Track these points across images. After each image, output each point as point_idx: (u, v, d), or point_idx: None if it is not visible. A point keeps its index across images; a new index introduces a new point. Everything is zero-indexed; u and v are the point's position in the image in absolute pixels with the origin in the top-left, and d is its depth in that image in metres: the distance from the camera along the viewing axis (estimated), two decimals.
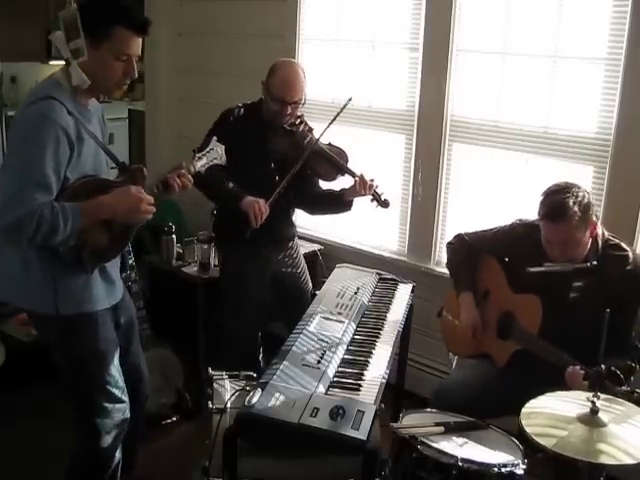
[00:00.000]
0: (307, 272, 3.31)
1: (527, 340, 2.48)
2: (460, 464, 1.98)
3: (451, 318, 2.82)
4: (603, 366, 2.01)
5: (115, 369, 2.32)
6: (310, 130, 3.10)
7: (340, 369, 2.12)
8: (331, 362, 2.12)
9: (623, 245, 2.49)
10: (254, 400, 1.87)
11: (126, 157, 6.02)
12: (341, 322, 2.40)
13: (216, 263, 3.54)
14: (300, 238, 3.46)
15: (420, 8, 3.43)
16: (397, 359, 2.75)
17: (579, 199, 2.36)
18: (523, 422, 1.88)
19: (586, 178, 3.00)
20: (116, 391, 2.33)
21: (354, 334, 2.37)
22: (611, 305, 2.01)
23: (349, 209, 3.14)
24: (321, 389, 1.97)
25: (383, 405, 1.99)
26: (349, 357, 2.21)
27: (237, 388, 2.24)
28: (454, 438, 2.13)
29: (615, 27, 2.88)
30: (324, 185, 3.22)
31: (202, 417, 2.92)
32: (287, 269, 3.22)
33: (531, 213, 2.62)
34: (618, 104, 2.89)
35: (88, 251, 2.12)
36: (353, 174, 3.05)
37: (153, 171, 2.43)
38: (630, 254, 2.47)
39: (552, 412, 1.94)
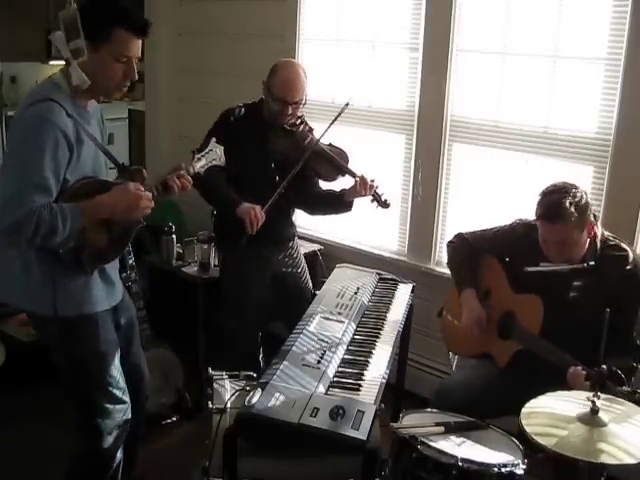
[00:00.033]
0: (307, 272, 3.31)
1: (528, 340, 2.48)
2: (460, 464, 1.98)
3: (451, 318, 2.82)
4: (605, 366, 2.01)
5: (116, 370, 2.32)
6: (310, 130, 3.10)
7: (340, 369, 2.12)
8: (331, 362, 2.12)
9: (622, 245, 2.49)
10: (254, 400, 1.87)
11: (126, 157, 6.02)
12: (341, 322, 2.40)
13: (216, 263, 3.54)
14: (300, 238, 3.46)
15: (420, 8, 3.43)
16: (397, 359, 2.75)
17: (576, 199, 2.36)
18: (523, 422, 1.88)
19: (586, 178, 3.00)
20: (117, 392, 2.33)
21: (354, 334, 2.37)
22: (611, 305, 2.01)
23: (349, 210, 3.14)
24: (321, 389, 1.97)
25: (383, 405, 1.98)
26: (349, 357, 2.21)
27: (237, 388, 2.24)
28: (454, 438, 2.13)
29: (615, 27, 2.88)
30: (324, 185, 3.22)
31: (202, 417, 2.92)
32: (287, 269, 3.22)
33: (531, 213, 2.62)
34: (618, 104, 2.89)
35: (88, 253, 2.12)
36: (353, 174, 3.05)
37: (153, 171, 2.43)
38: (630, 254, 2.47)
39: (552, 412, 1.94)
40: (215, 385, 2.30)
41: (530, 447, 1.98)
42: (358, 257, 3.65)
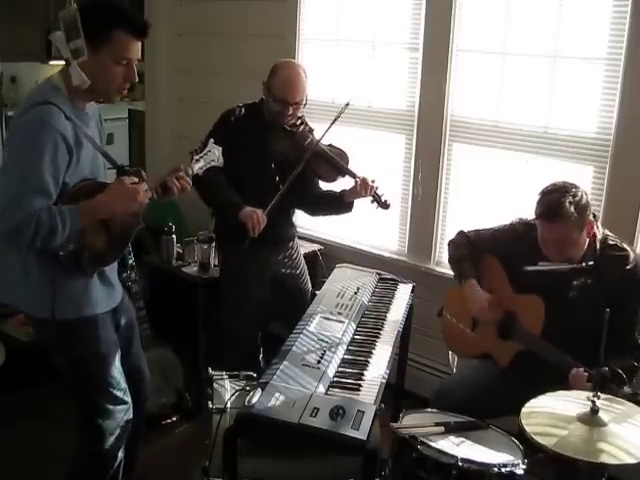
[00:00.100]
0: (307, 273, 3.31)
1: (529, 341, 2.47)
2: (460, 464, 1.98)
3: (450, 317, 2.81)
4: (606, 368, 2.01)
5: (117, 371, 2.32)
6: (311, 131, 3.10)
7: (340, 369, 2.12)
8: (331, 362, 2.12)
9: (622, 245, 2.49)
10: (254, 400, 1.87)
11: (126, 157, 6.02)
12: (341, 322, 2.40)
13: (216, 263, 3.54)
14: (300, 238, 3.46)
15: (420, 8, 3.43)
16: (397, 359, 2.75)
17: (576, 199, 2.35)
18: (523, 421, 1.88)
19: (586, 178, 3.00)
20: (118, 393, 2.34)
21: (354, 334, 2.37)
22: (611, 305, 2.01)
23: (349, 210, 3.14)
24: (321, 389, 1.97)
25: (383, 405, 1.99)
26: (349, 357, 2.21)
27: (237, 388, 2.24)
28: (454, 438, 2.13)
29: (615, 27, 2.88)
30: (324, 186, 3.22)
31: (202, 417, 2.92)
32: (287, 270, 3.22)
33: (531, 213, 2.62)
34: (618, 104, 2.89)
35: (87, 255, 2.12)
36: (354, 175, 3.05)
37: (153, 171, 2.43)
38: (630, 253, 2.46)
39: (552, 411, 1.94)
40: (215, 385, 2.30)
41: (530, 447, 1.99)
42: (358, 257, 3.65)
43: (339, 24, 3.80)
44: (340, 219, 3.45)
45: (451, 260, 2.83)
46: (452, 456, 2.00)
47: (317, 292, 2.73)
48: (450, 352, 2.94)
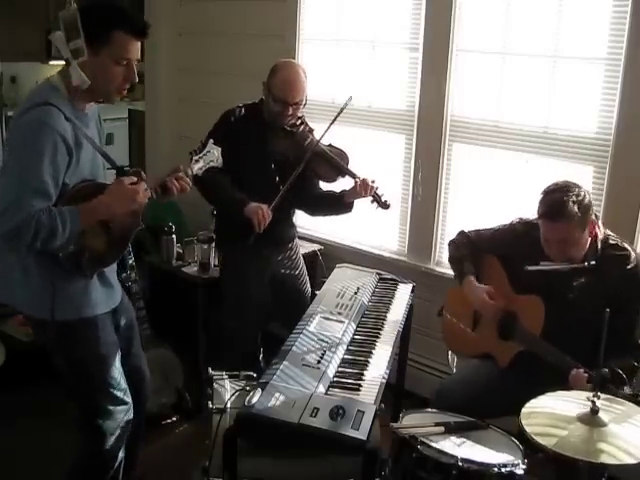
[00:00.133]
0: (306, 274, 3.31)
1: (530, 341, 2.47)
2: (460, 464, 1.98)
3: (450, 317, 2.81)
4: (606, 369, 2.01)
5: (117, 371, 2.32)
6: (311, 131, 3.10)
7: (340, 369, 2.12)
8: (331, 362, 2.12)
9: (623, 244, 2.48)
10: (254, 400, 1.87)
11: (126, 157, 6.02)
12: (341, 322, 2.40)
13: (216, 263, 3.54)
14: (300, 238, 3.46)
15: (420, 8, 3.43)
16: (397, 359, 2.75)
17: (579, 199, 2.35)
18: (523, 422, 1.88)
19: (586, 178, 3.00)
20: (119, 393, 2.34)
21: (354, 334, 2.37)
22: (612, 305, 2.01)
23: (350, 211, 3.14)
24: (321, 389, 1.97)
25: (383, 405, 1.99)
26: (349, 357, 2.21)
27: (237, 388, 2.24)
28: (454, 438, 2.13)
29: (615, 27, 2.88)
30: (325, 186, 3.22)
31: (202, 417, 2.92)
32: (286, 270, 3.22)
33: (531, 213, 2.62)
34: (618, 104, 2.89)
35: (87, 256, 2.12)
36: (354, 175, 3.05)
37: (153, 171, 2.43)
38: (631, 253, 2.46)
39: (552, 412, 1.94)
40: (215, 385, 2.30)
41: (530, 447, 1.99)
42: (358, 257, 3.65)
43: (339, 24, 3.80)
44: (340, 219, 3.45)
45: (451, 260, 2.83)
46: (452, 456, 2.00)
47: (317, 292, 2.73)
48: (450, 352, 2.94)
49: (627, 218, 2.91)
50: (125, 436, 2.40)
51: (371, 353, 2.25)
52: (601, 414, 1.87)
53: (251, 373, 2.39)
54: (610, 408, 1.92)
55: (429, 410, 2.38)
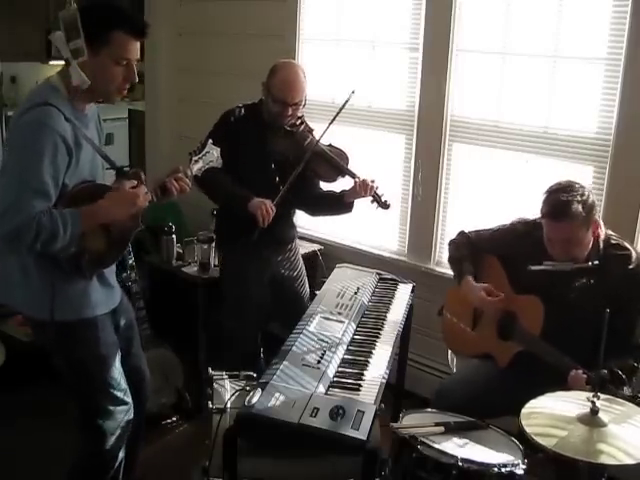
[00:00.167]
0: (305, 276, 3.31)
1: (529, 342, 2.47)
2: (460, 464, 1.98)
3: (450, 317, 2.81)
4: (605, 370, 2.01)
5: (117, 372, 2.32)
6: (310, 131, 3.10)
7: (340, 369, 2.12)
8: (331, 362, 2.12)
9: (625, 244, 2.48)
10: (254, 400, 1.87)
11: (126, 157, 6.02)
12: (341, 322, 2.40)
13: (216, 263, 3.54)
14: (300, 238, 3.46)
15: (420, 8, 3.43)
16: (397, 359, 2.75)
17: (583, 198, 2.34)
18: (523, 422, 1.88)
19: (586, 178, 2.99)
20: (119, 393, 2.34)
21: (354, 334, 2.37)
22: (612, 305, 2.01)
23: (350, 211, 3.14)
24: (321, 389, 1.97)
25: (383, 405, 1.99)
26: (349, 357, 2.21)
27: (237, 388, 2.24)
28: (454, 438, 2.13)
29: (615, 27, 2.88)
30: (325, 186, 3.22)
31: (202, 417, 2.92)
32: (285, 272, 3.22)
33: (531, 213, 2.62)
34: (618, 104, 2.89)
35: (87, 258, 2.12)
36: (353, 175, 3.05)
37: (153, 171, 2.43)
38: (632, 253, 2.45)
39: (552, 412, 1.94)
40: (215, 385, 2.30)
41: (530, 447, 1.98)
42: (358, 257, 3.65)
43: (339, 24, 3.80)
44: (340, 219, 3.46)
45: (451, 260, 2.83)
46: (452, 456, 2.00)
47: (317, 292, 2.73)
48: (450, 352, 2.94)
49: (627, 218, 2.91)
50: (125, 436, 2.40)
51: (371, 353, 2.25)
52: (601, 414, 1.87)
53: (251, 373, 2.39)
54: (610, 408, 1.92)
55: (429, 410, 2.38)
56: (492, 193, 3.37)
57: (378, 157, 3.71)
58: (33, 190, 1.96)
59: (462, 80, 3.37)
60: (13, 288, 2.20)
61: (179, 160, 2.38)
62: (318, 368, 2.07)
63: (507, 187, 3.31)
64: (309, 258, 3.70)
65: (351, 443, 1.77)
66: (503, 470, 2.00)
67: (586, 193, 2.37)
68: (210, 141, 2.46)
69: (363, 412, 1.86)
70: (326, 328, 2.34)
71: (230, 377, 2.36)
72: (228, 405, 2.14)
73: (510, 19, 3.19)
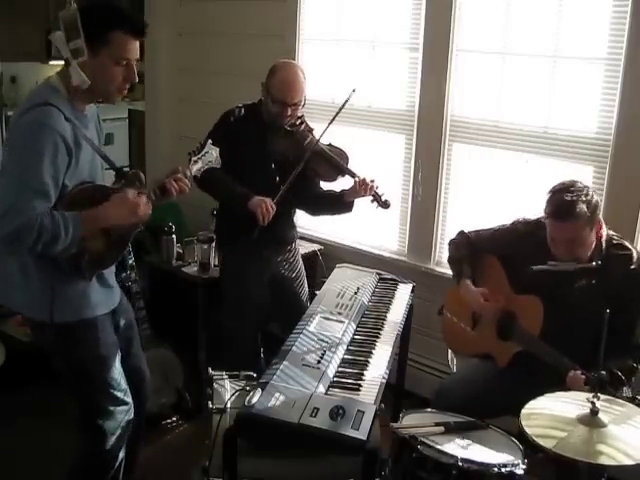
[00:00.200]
0: (304, 277, 3.31)
1: (528, 342, 2.47)
2: (460, 464, 1.98)
3: (450, 316, 2.81)
4: (604, 372, 2.00)
5: (117, 372, 2.32)
6: (310, 130, 3.10)
7: (340, 369, 2.12)
8: (331, 362, 2.12)
9: (626, 244, 2.48)
10: (254, 400, 1.87)
11: (126, 157, 6.02)
12: (341, 322, 2.40)
13: (216, 263, 3.54)
14: (300, 238, 3.46)
15: (420, 8, 3.43)
16: (397, 359, 2.75)
17: (588, 198, 2.34)
18: (523, 423, 1.88)
19: (586, 178, 2.99)
20: (119, 393, 2.33)
21: (354, 334, 2.37)
22: (613, 305, 2.01)
23: (350, 210, 3.14)
24: (321, 389, 1.97)
25: (383, 405, 1.99)
26: (349, 357, 2.21)
27: (237, 388, 2.24)
28: (454, 438, 2.13)
29: (615, 27, 2.88)
30: (325, 186, 3.22)
31: (202, 417, 2.92)
32: (285, 272, 3.22)
33: (531, 213, 2.62)
34: (618, 104, 2.89)
35: (87, 259, 2.11)
36: (353, 175, 3.05)
37: (153, 171, 2.43)
38: (634, 253, 2.45)
39: (552, 413, 1.94)
40: (215, 385, 2.30)
41: (530, 447, 1.98)
42: (358, 257, 3.65)
43: (339, 24, 3.80)
44: (340, 219, 3.46)
45: (450, 260, 2.83)
46: (452, 456, 2.00)
47: (317, 292, 2.73)
48: (450, 352, 2.94)
49: (627, 218, 2.91)
50: (126, 436, 2.40)
51: (371, 353, 2.24)
52: (601, 415, 1.87)
53: (251, 373, 2.39)
54: (610, 409, 1.92)
55: (429, 410, 2.38)
56: (492, 193, 3.37)
57: (378, 157, 3.70)
58: (33, 190, 1.95)
59: (462, 80, 3.37)
60: (13, 290, 2.20)
61: (179, 160, 2.38)
62: (318, 368, 2.07)
63: (507, 187, 3.31)
64: (309, 258, 3.70)
65: (351, 443, 1.76)
66: (503, 470, 2.00)
67: (590, 193, 2.36)
68: (209, 141, 2.46)
69: (363, 412, 1.86)
70: (326, 328, 2.34)
71: (230, 377, 2.36)
72: (228, 405, 2.14)
73: (510, 19, 3.19)
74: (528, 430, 1.85)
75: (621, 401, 2.00)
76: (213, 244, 3.50)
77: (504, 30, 3.22)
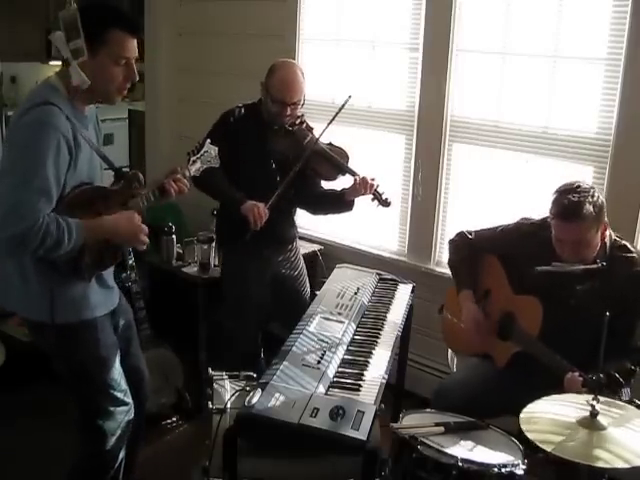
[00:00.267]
0: (306, 275, 3.31)
1: (527, 342, 2.47)
2: (460, 464, 1.98)
3: (450, 316, 2.81)
4: (602, 375, 2.00)
5: (117, 372, 2.32)
6: (310, 130, 3.10)
7: (340, 369, 2.12)
8: (331, 362, 2.12)
9: (630, 246, 2.47)
10: (254, 400, 1.87)
11: (126, 157, 6.03)
12: (341, 322, 2.40)
13: (216, 263, 3.54)
14: (300, 238, 3.46)
15: (420, 8, 3.43)
16: (397, 359, 2.75)
17: (594, 199, 2.32)
18: (523, 426, 1.87)
19: (586, 178, 2.99)
20: (119, 394, 2.33)
21: (354, 334, 2.36)
22: (615, 307, 2.00)
23: (350, 209, 3.14)
24: (321, 389, 1.97)
25: (383, 405, 1.98)
26: (349, 357, 2.21)
27: (237, 388, 2.24)
28: (454, 438, 2.13)
29: (615, 27, 2.88)
30: (325, 185, 3.22)
31: (202, 417, 2.92)
32: (286, 271, 3.22)
33: (532, 213, 2.62)
34: (618, 104, 2.89)
35: (87, 260, 2.11)
36: (354, 173, 3.05)
37: (153, 171, 2.43)
38: (638, 255, 2.45)
39: (552, 416, 1.93)
40: (215, 385, 2.30)
41: (530, 447, 1.98)
42: (358, 257, 3.65)
43: (339, 24, 3.80)
44: (340, 219, 3.46)
45: (450, 263, 2.83)
46: (452, 456, 2.00)
47: (317, 292, 2.73)
48: (450, 352, 2.94)
49: (627, 218, 2.91)
50: (126, 436, 2.40)
51: (371, 353, 2.24)
52: (600, 417, 1.86)
53: (251, 373, 2.39)
54: (609, 412, 1.92)
55: (429, 410, 2.38)
56: (492, 193, 3.37)
57: (378, 157, 3.70)
58: (36, 190, 1.95)
59: (462, 80, 3.37)
60: (12, 292, 2.19)
61: (179, 160, 2.38)
62: (318, 368, 2.07)
63: (507, 187, 3.31)
64: (309, 258, 3.70)
65: (351, 443, 1.77)
66: (503, 470, 2.00)
67: (596, 194, 2.35)
68: (208, 141, 2.46)
69: (363, 412, 1.86)
70: (326, 328, 2.34)
71: (230, 377, 2.36)
72: (228, 405, 2.14)
73: (510, 19, 3.19)
74: (529, 434, 1.84)
75: (620, 403, 1.99)
76: (213, 244, 3.50)
77: (504, 30, 3.22)
